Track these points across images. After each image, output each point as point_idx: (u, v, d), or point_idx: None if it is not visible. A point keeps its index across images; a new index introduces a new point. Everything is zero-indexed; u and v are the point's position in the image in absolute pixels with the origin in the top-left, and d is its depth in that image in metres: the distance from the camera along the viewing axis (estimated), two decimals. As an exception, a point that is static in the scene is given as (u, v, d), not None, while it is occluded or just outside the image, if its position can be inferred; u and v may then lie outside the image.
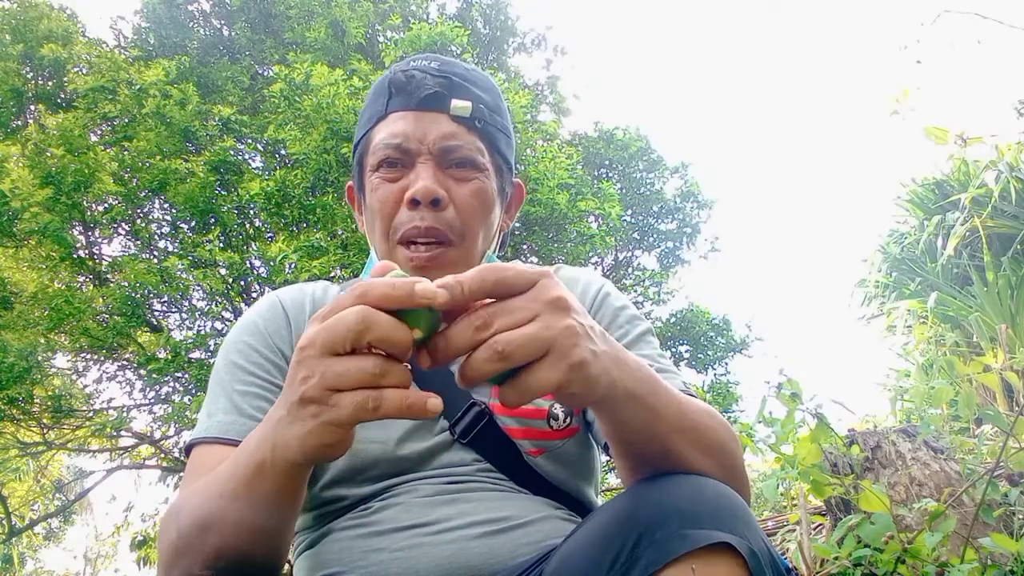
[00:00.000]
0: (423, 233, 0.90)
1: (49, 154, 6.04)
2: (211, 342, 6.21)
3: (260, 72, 8.41)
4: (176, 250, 6.61)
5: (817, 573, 1.98)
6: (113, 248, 7.22)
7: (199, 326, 6.71)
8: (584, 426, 0.95)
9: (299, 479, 0.64)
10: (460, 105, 0.92)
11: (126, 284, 5.81)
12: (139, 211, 6.69)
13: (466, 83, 0.95)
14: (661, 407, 0.66)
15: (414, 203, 0.90)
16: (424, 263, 0.90)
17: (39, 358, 5.63)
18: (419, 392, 0.53)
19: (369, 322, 0.52)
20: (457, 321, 0.54)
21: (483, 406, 0.89)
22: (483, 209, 0.95)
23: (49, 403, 6.33)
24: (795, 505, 2.44)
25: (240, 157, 6.76)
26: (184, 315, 6.73)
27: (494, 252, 1.05)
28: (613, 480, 6.54)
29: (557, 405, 0.91)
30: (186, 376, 5.95)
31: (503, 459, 0.88)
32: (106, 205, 6.45)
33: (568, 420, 0.92)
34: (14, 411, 5.95)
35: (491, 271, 0.55)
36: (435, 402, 0.53)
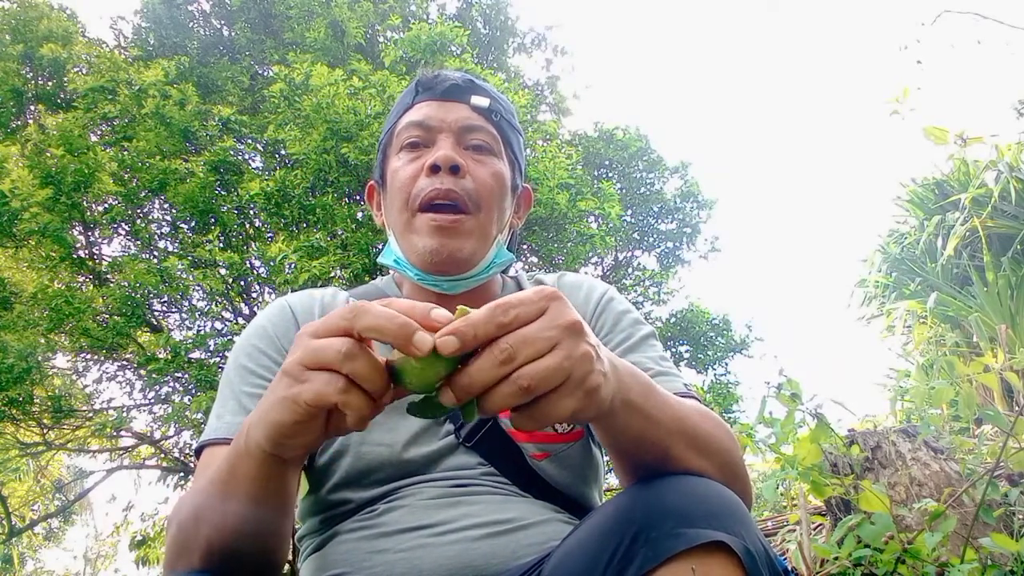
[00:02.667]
0: (443, 195, 0.93)
1: (49, 154, 6.03)
2: (211, 342, 6.20)
3: (260, 72, 8.40)
4: (176, 250, 6.61)
5: (817, 573, 1.98)
6: (113, 248, 7.22)
7: (199, 326, 6.70)
8: (588, 429, 0.95)
9: (273, 469, 0.64)
10: (480, 98, 1.00)
11: (126, 284, 5.81)
12: (139, 211, 6.69)
13: (485, 86, 1.03)
14: (657, 413, 0.66)
15: (434, 169, 0.94)
16: (448, 224, 0.93)
17: (39, 358, 5.62)
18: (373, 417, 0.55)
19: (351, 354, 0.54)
20: (478, 356, 0.53)
21: None
22: (498, 188, 0.99)
23: (49, 403, 6.33)
24: (795, 505, 2.44)
25: (240, 157, 6.76)
26: (184, 315, 6.73)
27: (505, 245, 1.06)
28: (614, 480, 6.54)
29: None
30: (186, 376, 5.95)
31: (507, 463, 0.89)
32: (106, 205, 6.44)
33: (573, 424, 0.92)
34: (14, 411, 5.95)
35: (501, 309, 0.54)
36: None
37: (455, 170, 0.94)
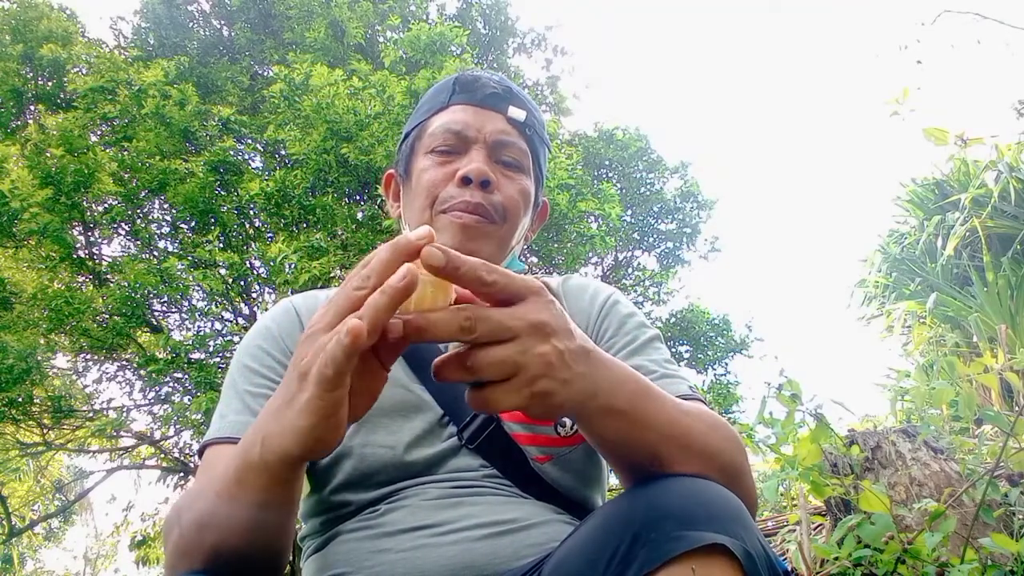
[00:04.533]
0: (472, 208, 0.94)
1: (49, 154, 6.03)
2: (211, 343, 6.20)
3: (260, 72, 8.41)
4: (176, 250, 6.61)
5: (817, 573, 1.98)
6: (113, 248, 7.23)
7: (199, 327, 6.71)
8: None
9: (290, 475, 0.63)
10: (517, 111, 1.00)
11: (126, 284, 5.81)
12: (139, 211, 6.69)
13: (522, 96, 1.03)
14: (645, 419, 0.65)
15: (465, 181, 0.94)
16: (473, 223, 0.94)
17: (39, 359, 5.62)
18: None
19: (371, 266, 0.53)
20: (447, 310, 0.54)
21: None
22: (524, 205, 1.00)
23: (49, 404, 6.33)
24: (795, 505, 2.44)
25: (240, 157, 6.76)
26: (184, 315, 6.73)
27: (519, 257, 1.06)
28: (614, 480, 6.54)
29: None
30: (186, 377, 5.95)
31: (509, 465, 0.89)
32: (106, 205, 6.45)
33: (576, 427, 0.92)
34: (14, 412, 5.95)
35: (490, 269, 0.54)
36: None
37: (485, 185, 0.94)
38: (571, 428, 0.92)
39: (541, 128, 1.04)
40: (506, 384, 0.55)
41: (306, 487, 0.93)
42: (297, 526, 0.95)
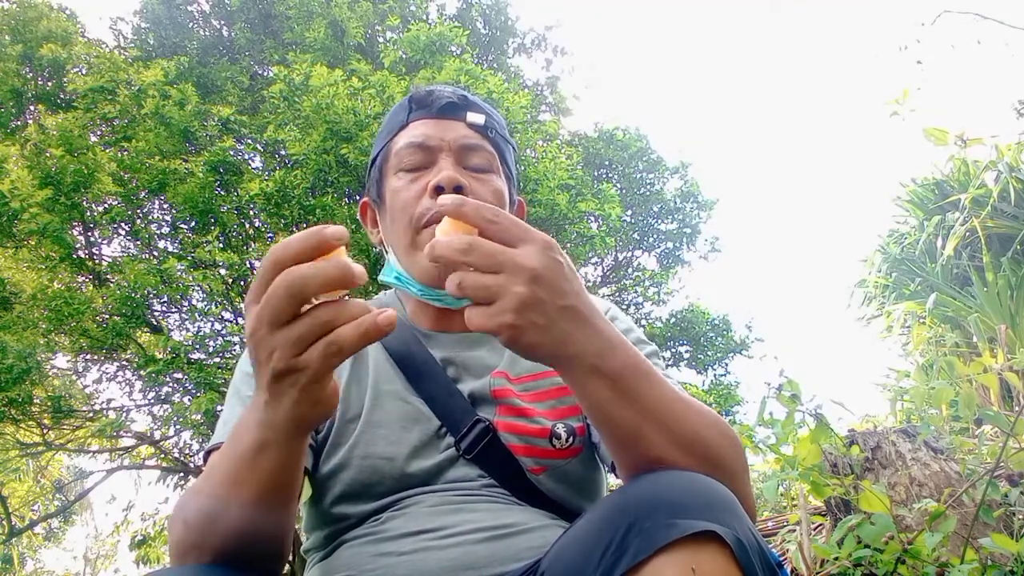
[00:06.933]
0: None
1: (49, 154, 6.02)
2: (211, 343, 6.20)
3: (260, 72, 8.40)
4: (176, 251, 6.60)
5: (817, 573, 1.98)
6: (113, 248, 7.22)
7: (199, 327, 6.70)
8: (589, 447, 0.96)
9: (299, 450, 0.67)
10: (475, 115, 1.01)
11: (126, 284, 5.81)
12: (139, 211, 6.68)
13: (479, 102, 1.05)
14: (635, 393, 0.66)
15: (438, 190, 0.95)
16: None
17: (39, 359, 5.61)
18: (369, 315, 0.57)
19: (300, 281, 0.55)
20: (453, 236, 0.61)
21: (487, 423, 0.91)
22: (499, 206, 1.00)
23: (49, 404, 6.32)
24: (795, 505, 2.44)
25: (240, 157, 6.75)
26: (184, 316, 6.73)
27: None
28: (612, 480, 6.53)
29: (559, 425, 0.94)
30: (186, 377, 5.95)
31: (506, 475, 0.91)
32: (106, 205, 6.44)
33: (571, 440, 0.94)
34: (14, 412, 5.94)
35: (496, 212, 0.62)
36: (386, 316, 0.57)
37: (458, 191, 0.95)
38: (566, 441, 0.93)
39: (502, 129, 1.07)
40: (482, 308, 0.61)
41: (307, 492, 0.94)
42: (301, 538, 0.96)
